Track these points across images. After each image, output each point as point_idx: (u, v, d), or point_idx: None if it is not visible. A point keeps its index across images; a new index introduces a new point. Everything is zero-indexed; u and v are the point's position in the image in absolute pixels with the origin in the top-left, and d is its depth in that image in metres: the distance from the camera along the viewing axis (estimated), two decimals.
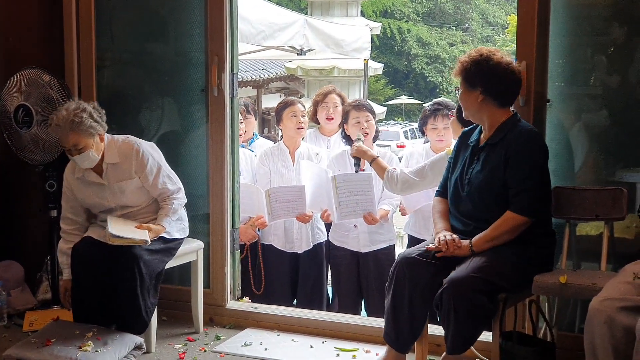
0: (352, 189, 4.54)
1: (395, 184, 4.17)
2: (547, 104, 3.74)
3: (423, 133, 4.84)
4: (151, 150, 4.07)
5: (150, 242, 3.85)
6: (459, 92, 3.50)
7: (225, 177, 4.49)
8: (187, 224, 4.26)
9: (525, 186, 3.27)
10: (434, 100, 5.02)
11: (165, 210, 4.06)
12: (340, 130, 5.02)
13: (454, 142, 4.89)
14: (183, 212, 4.21)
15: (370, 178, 4.56)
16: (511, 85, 3.41)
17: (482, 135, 3.51)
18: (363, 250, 4.78)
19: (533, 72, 3.70)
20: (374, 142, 4.85)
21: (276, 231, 4.92)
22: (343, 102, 5.30)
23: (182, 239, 4.20)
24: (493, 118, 3.43)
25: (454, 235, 3.39)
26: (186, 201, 4.19)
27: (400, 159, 4.97)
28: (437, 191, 3.72)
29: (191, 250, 4.34)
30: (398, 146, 25.91)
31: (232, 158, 4.53)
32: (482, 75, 3.37)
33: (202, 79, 4.46)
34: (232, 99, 4.48)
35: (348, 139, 4.84)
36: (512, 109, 3.48)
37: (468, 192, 3.43)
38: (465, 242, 3.36)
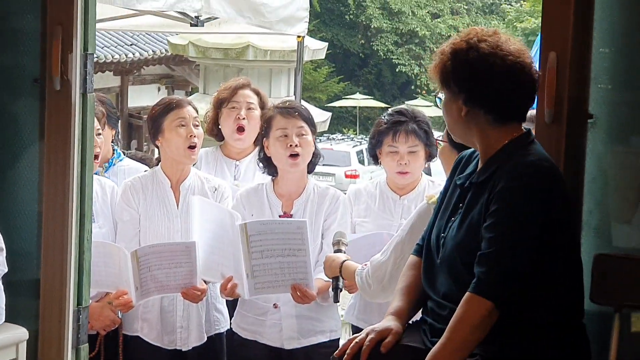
0: (274, 245, 4.56)
1: (368, 286, 4.15)
2: (589, 121, 3.80)
3: (376, 160, 4.91)
4: None
5: None
6: (441, 102, 3.55)
7: (69, 225, 4.47)
8: (2, 301, 4.24)
9: (497, 248, 3.26)
10: (393, 108, 5.10)
11: None
12: (257, 149, 5.04)
13: (428, 182, 4.96)
14: None
15: (304, 227, 4.57)
16: (514, 89, 3.40)
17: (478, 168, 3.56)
18: (288, 347, 4.82)
19: (567, 68, 3.76)
20: (309, 172, 4.93)
21: (147, 314, 4.93)
22: (262, 103, 5.33)
23: None
24: (486, 142, 3.45)
25: (389, 338, 3.45)
26: (6, 270, 4.19)
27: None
28: (415, 245, 3.78)
29: (7, 344, 4.29)
30: (347, 176, 26.21)
31: (81, 193, 4.52)
32: (463, 74, 3.41)
33: (34, 63, 4.46)
34: (83, 95, 4.48)
35: (268, 165, 4.89)
36: (524, 126, 3.50)
37: (442, 259, 3.49)
38: None
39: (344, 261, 4.36)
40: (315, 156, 4.91)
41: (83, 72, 4.44)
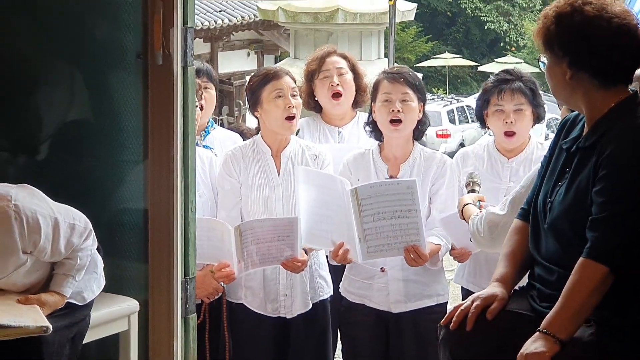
0: (385, 208, 4.55)
1: (479, 233, 4.12)
2: None
3: (482, 122, 4.88)
4: (34, 201, 4.06)
5: (51, 327, 3.89)
6: (545, 66, 3.51)
7: (174, 196, 4.52)
8: (101, 267, 4.33)
9: (611, 212, 3.24)
10: (501, 69, 5.06)
11: (66, 269, 4.12)
12: (358, 114, 5.04)
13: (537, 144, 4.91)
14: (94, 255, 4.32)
15: (414, 186, 4.54)
16: (620, 51, 3.35)
17: (584, 131, 3.52)
18: (395, 310, 4.84)
19: None
20: (416, 139, 4.91)
21: (250, 282, 4.97)
22: (352, 66, 5.33)
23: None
24: (592, 105, 3.40)
25: (495, 304, 3.43)
26: (97, 244, 4.26)
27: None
28: (520, 209, 3.75)
29: (119, 315, 4.43)
30: (439, 135, 26.14)
31: (185, 165, 4.56)
32: (568, 38, 3.36)
33: (136, 38, 4.50)
34: (184, 68, 4.51)
35: (375, 129, 4.90)
36: (631, 88, 3.46)
37: (550, 224, 3.46)
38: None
39: (467, 204, 4.36)
40: (422, 123, 4.88)
41: (183, 46, 4.46)
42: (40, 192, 4.09)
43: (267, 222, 4.77)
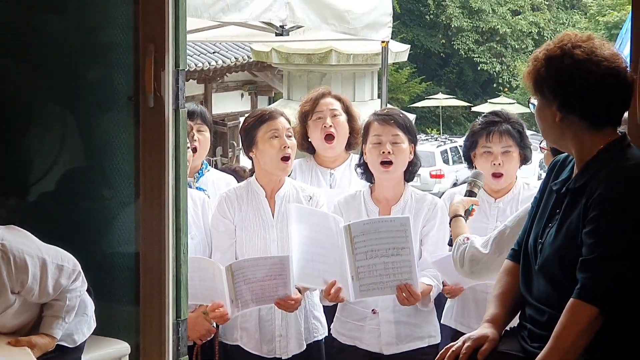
0: (378, 245, 4.52)
1: (460, 264, 4.16)
2: None
3: (470, 163, 4.89)
4: (22, 241, 4.06)
5: None
6: (534, 107, 3.52)
7: (166, 239, 4.49)
8: (91, 309, 4.31)
9: (601, 254, 3.23)
10: (488, 111, 5.07)
11: (55, 310, 4.12)
12: (351, 157, 5.05)
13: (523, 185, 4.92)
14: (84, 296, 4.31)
15: (407, 223, 4.51)
16: (610, 94, 3.37)
17: (573, 173, 3.52)
18: (387, 352, 4.81)
19: None
20: (407, 181, 4.93)
21: (245, 324, 4.95)
22: (345, 108, 5.34)
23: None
24: (581, 147, 3.41)
25: (486, 345, 3.43)
26: (86, 286, 4.25)
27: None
28: (511, 250, 3.75)
29: (110, 359, 4.44)
30: (432, 175, 26.16)
31: (177, 207, 4.53)
32: (558, 81, 3.38)
33: (127, 80, 4.50)
34: (176, 111, 4.51)
35: (366, 171, 4.90)
36: (620, 130, 3.47)
37: (540, 266, 3.46)
38: None
39: (458, 215, 4.39)
40: (413, 164, 4.90)
41: (175, 88, 4.44)
42: (28, 233, 4.10)
43: (259, 261, 4.74)
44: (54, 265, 4.08)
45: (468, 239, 4.21)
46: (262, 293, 4.73)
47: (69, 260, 4.14)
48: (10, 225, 4.09)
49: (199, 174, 5.45)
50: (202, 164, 5.51)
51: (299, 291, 4.80)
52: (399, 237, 4.52)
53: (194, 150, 5.25)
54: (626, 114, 3.61)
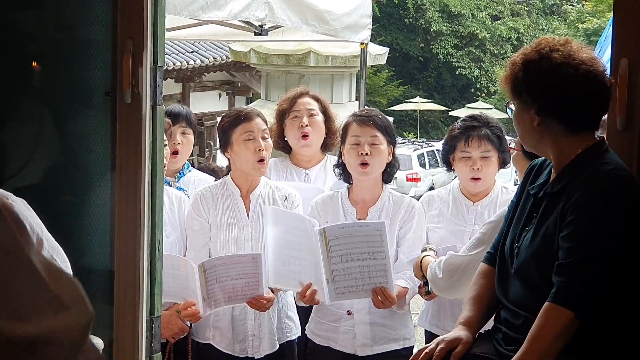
0: (354, 249, 4.55)
1: (437, 277, 4.17)
2: None
3: (449, 166, 4.91)
4: (31, 214, 4.03)
5: None
6: (512, 112, 3.54)
7: (141, 235, 4.48)
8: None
9: (577, 258, 3.24)
10: (467, 114, 5.09)
11: None
12: (326, 157, 5.06)
13: (501, 189, 4.95)
14: None
15: (383, 229, 4.54)
16: (588, 98, 3.38)
17: (551, 177, 3.53)
18: (361, 354, 4.84)
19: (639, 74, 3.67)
20: (385, 182, 4.94)
21: (218, 323, 4.97)
22: (323, 108, 5.35)
23: None
24: (559, 151, 3.43)
25: (459, 347, 3.46)
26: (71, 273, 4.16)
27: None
28: (486, 253, 3.77)
29: None
30: (409, 179, 26.22)
31: (152, 204, 4.52)
32: (536, 85, 3.39)
33: (105, 76, 4.48)
34: (153, 107, 4.49)
35: (344, 171, 4.93)
36: (598, 134, 3.48)
37: (517, 269, 3.48)
38: None
39: (425, 256, 4.41)
40: (392, 166, 4.91)
41: (153, 85, 4.43)
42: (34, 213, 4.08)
43: (231, 259, 4.76)
44: (49, 254, 4.04)
45: (431, 249, 4.26)
46: (234, 292, 4.75)
47: (63, 260, 4.12)
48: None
49: (180, 174, 5.46)
50: (184, 165, 5.51)
51: (272, 291, 4.81)
52: (374, 242, 4.54)
53: (176, 152, 5.27)
54: (605, 118, 3.63)
